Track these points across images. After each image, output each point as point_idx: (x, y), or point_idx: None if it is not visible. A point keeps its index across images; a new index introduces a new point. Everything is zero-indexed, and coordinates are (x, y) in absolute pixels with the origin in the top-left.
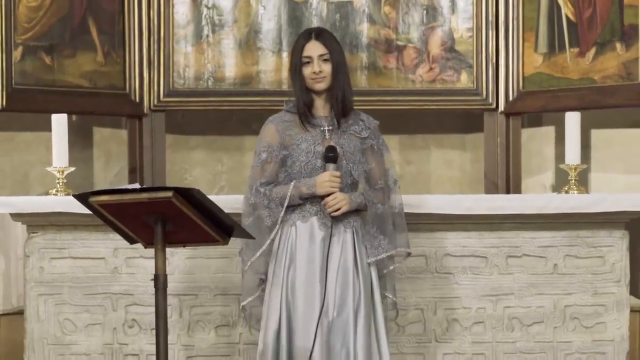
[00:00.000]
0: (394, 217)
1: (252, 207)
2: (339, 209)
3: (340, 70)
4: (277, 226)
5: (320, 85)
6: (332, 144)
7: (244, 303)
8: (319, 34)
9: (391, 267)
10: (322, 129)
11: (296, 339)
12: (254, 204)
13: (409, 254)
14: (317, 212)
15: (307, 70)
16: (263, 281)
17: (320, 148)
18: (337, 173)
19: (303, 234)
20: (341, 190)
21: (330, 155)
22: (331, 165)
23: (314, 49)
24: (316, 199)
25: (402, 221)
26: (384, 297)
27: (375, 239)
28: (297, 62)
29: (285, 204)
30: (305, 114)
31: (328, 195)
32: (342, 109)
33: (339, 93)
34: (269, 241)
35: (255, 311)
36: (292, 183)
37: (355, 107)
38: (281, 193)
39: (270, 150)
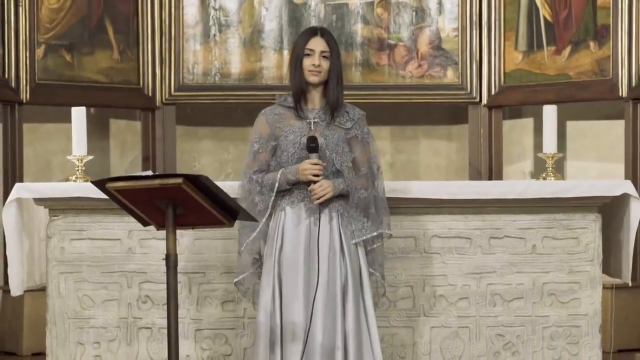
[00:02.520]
0: (377, 201)
1: (246, 193)
2: (323, 196)
3: (335, 70)
4: (269, 210)
5: (315, 79)
6: (313, 134)
7: (236, 280)
8: (325, 32)
9: (374, 246)
10: (308, 121)
11: (284, 317)
12: (248, 190)
13: (390, 236)
14: (304, 199)
15: (307, 61)
16: (257, 260)
17: (305, 139)
18: (318, 160)
19: (291, 218)
20: (324, 177)
21: (312, 146)
22: (313, 155)
23: (318, 43)
24: (303, 186)
25: (385, 205)
26: (371, 275)
27: (359, 221)
28: (300, 52)
29: (275, 190)
30: (299, 101)
31: (312, 182)
32: (334, 105)
33: (334, 90)
34: (261, 224)
35: (257, 288)
36: (280, 170)
37: (347, 101)
38: (271, 180)
39: (262, 141)
